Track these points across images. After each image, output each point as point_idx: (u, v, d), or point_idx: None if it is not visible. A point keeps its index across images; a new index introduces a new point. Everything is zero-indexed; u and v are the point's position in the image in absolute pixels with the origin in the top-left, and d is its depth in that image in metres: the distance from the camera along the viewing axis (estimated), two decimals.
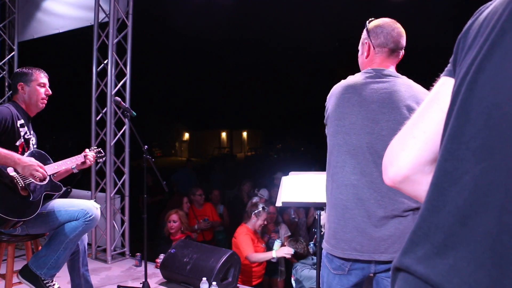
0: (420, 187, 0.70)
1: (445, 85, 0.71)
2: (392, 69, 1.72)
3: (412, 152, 0.70)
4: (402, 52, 1.75)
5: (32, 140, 2.53)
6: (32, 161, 2.25)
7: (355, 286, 1.64)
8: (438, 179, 0.61)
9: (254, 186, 6.56)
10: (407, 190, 0.74)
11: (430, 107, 0.72)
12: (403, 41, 1.73)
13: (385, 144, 1.46)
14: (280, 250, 3.82)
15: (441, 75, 0.75)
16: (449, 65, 0.73)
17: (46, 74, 2.58)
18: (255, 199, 4.42)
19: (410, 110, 1.55)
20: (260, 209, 4.14)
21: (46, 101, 2.56)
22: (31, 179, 2.34)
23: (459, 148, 0.59)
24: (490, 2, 0.67)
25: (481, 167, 0.55)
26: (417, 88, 1.63)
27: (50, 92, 2.57)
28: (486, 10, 0.65)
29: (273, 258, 3.84)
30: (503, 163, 0.53)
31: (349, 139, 1.64)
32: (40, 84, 2.52)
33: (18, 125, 2.38)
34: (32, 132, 2.54)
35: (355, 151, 1.62)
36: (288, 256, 3.82)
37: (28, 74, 2.50)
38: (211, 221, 5.30)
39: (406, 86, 1.63)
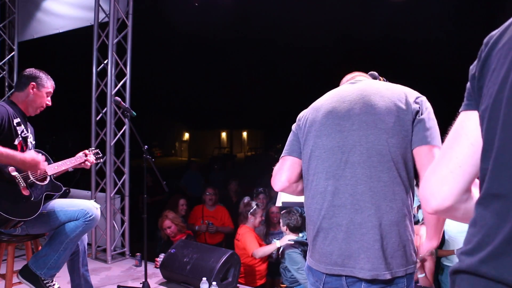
0: (458, 212, 0.81)
1: (470, 119, 0.78)
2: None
3: (453, 185, 0.79)
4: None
5: (30, 138, 2.52)
6: (33, 159, 2.26)
7: None
8: (504, 189, 0.64)
9: (240, 185, 6.55)
10: (446, 216, 0.86)
11: (460, 141, 0.79)
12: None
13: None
14: (283, 238, 3.71)
15: (461, 111, 0.81)
16: (465, 100, 0.80)
17: (55, 86, 2.62)
18: (246, 199, 4.39)
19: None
20: (254, 207, 4.13)
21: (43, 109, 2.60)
22: (32, 179, 2.35)
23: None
24: (497, 31, 0.74)
25: None
26: (393, 85, 1.58)
27: (50, 104, 2.60)
28: (502, 39, 0.71)
29: (277, 249, 3.73)
30: None
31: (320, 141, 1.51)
32: (48, 93, 2.55)
33: (15, 124, 2.37)
34: (29, 129, 2.54)
35: (326, 153, 1.47)
36: (291, 242, 3.64)
37: (43, 80, 2.52)
38: (217, 225, 5.09)
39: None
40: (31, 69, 2.55)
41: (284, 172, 1.61)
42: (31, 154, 2.29)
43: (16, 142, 2.37)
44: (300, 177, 1.61)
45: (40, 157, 2.30)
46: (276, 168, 1.65)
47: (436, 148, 1.35)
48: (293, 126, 1.67)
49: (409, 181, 1.41)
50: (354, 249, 1.38)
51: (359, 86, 1.53)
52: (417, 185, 1.31)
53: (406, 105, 1.40)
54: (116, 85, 4.39)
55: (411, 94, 1.45)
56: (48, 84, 2.55)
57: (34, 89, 2.48)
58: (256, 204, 4.20)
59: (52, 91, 2.58)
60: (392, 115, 1.39)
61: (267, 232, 4.46)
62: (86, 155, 2.72)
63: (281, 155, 1.65)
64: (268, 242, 4.26)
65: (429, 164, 1.27)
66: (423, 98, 1.45)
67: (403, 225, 1.37)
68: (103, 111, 4.45)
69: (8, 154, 2.14)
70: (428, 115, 1.40)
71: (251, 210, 4.14)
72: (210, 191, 5.29)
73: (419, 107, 1.40)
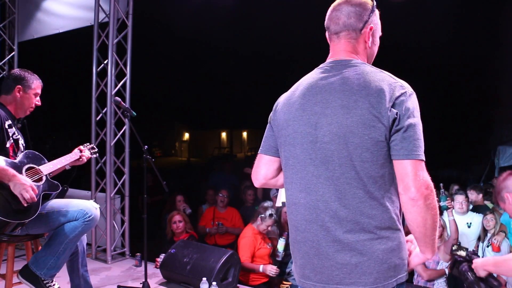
0: None
1: None
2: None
3: None
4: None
5: (21, 140, 2.50)
6: (27, 181, 2.22)
7: None
8: None
9: (253, 187, 6.53)
10: None
11: None
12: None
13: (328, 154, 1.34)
14: (266, 267, 3.88)
15: None
16: None
17: (42, 85, 2.59)
18: (266, 203, 4.34)
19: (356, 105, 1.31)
20: (267, 215, 4.11)
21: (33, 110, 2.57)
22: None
23: None
24: None
25: None
26: (373, 76, 1.34)
27: (40, 104, 2.57)
28: None
29: (260, 271, 3.90)
30: None
31: (293, 150, 1.43)
32: (36, 94, 2.53)
33: (6, 126, 2.35)
34: (19, 132, 2.52)
35: (300, 164, 1.41)
36: (272, 274, 3.86)
37: (29, 81, 2.49)
38: (227, 226, 5.05)
39: (358, 76, 1.36)
40: (16, 70, 2.53)
41: (260, 169, 1.60)
42: (25, 178, 2.24)
43: (7, 145, 2.35)
44: (278, 171, 1.58)
45: (33, 186, 2.22)
46: (254, 165, 1.63)
47: (414, 162, 1.27)
48: (270, 117, 1.60)
49: (390, 190, 1.33)
50: (327, 266, 1.34)
51: (333, 83, 1.38)
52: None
53: (382, 112, 1.27)
54: (116, 85, 4.39)
55: (389, 93, 1.29)
56: (34, 84, 2.50)
57: (21, 92, 2.46)
58: (270, 214, 4.13)
59: (39, 92, 2.54)
60: (365, 126, 1.28)
61: (281, 232, 4.45)
62: (81, 151, 2.71)
63: (258, 151, 1.62)
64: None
65: (406, 178, 1.27)
66: (405, 96, 1.30)
67: (386, 238, 1.31)
68: (103, 111, 4.45)
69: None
70: (408, 121, 1.28)
71: (262, 215, 4.12)
72: (224, 193, 5.27)
73: (397, 113, 1.27)
